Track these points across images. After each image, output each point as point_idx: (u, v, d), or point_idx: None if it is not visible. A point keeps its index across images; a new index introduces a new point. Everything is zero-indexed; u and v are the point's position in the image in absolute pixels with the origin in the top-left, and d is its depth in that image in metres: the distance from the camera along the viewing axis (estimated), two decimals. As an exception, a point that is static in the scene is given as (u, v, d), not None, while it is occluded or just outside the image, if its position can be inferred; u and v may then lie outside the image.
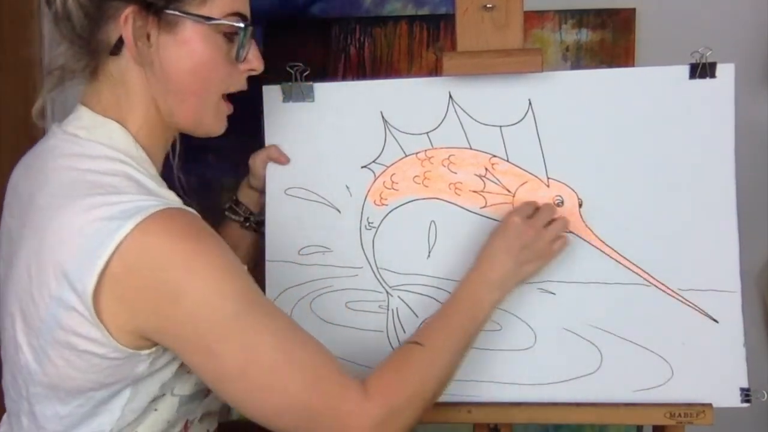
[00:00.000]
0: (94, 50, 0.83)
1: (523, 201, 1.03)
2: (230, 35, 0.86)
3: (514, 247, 0.97)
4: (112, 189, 0.78)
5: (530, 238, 0.98)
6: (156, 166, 0.88)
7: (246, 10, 0.88)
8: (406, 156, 1.06)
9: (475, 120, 1.05)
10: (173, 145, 0.92)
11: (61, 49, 0.85)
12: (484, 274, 0.96)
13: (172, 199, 0.82)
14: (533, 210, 1.01)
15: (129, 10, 0.80)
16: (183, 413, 0.88)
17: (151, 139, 0.87)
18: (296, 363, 0.80)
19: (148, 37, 0.82)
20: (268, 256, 1.08)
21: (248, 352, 0.78)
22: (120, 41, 0.82)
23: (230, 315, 0.77)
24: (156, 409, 0.85)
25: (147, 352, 0.79)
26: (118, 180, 0.80)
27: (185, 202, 0.84)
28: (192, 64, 0.84)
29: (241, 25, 0.86)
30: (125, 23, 0.80)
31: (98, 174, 0.80)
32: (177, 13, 0.82)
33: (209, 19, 0.83)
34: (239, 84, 0.91)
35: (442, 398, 1.03)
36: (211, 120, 0.90)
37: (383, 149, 1.06)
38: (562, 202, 1.03)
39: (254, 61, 0.90)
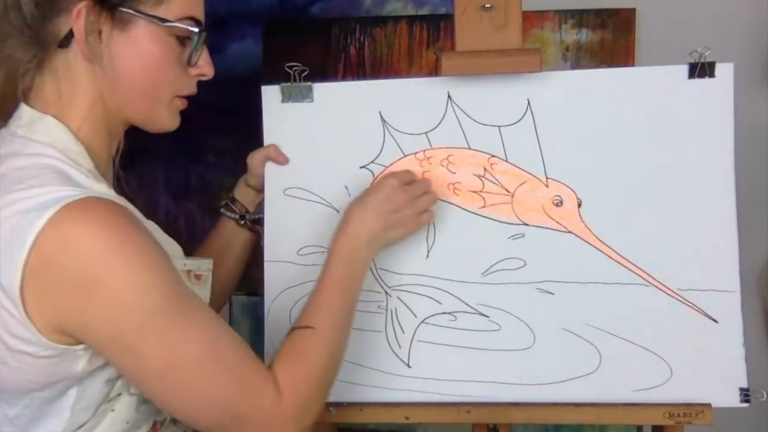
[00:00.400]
0: (42, 42, 0.83)
1: (404, 169, 1.04)
2: (183, 39, 0.86)
3: (385, 209, 0.97)
4: (34, 183, 0.77)
5: (402, 203, 0.98)
6: (99, 161, 0.87)
7: (200, 15, 0.88)
8: (405, 156, 1.06)
9: (474, 120, 1.05)
10: (117, 144, 0.92)
11: (9, 41, 0.84)
12: (353, 234, 0.96)
13: (101, 191, 0.80)
14: (410, 179, 1.02)
15: (83, 5, 0.80)
16: (145, 413, 0.87)
17: (94, 134, 0.86)
18: (220, 360, 0.80)
19: (100, 32, 0.82)
20: (267, 256, 1.08)
21: (171, 350, 0.77)
22: (70, 34, 0.81)
23: (151, 311, 0.76)
24: (113, 410, 0.83)
25: (81, 347, 0.77)
26: (43, 173, 0.78)
27: (128, 198, 0.83)
28: (142, 64, 0.84)
29: (195, 29, 0.86)
30: (77, 17, 0.80)
31: (27, 170, 0.79)
32: (131, 11, 0.82)
33: (163, 20, 0.83)
34: (189, 88, 0.91)
35: (442, 398, 1.04)
36: (163, 117, 0.90)
37: (382, 149, 1.06)
38: (561, 202, 1.03)
39: (205, 67, 0.90)
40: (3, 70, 0.85)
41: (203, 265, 0.98)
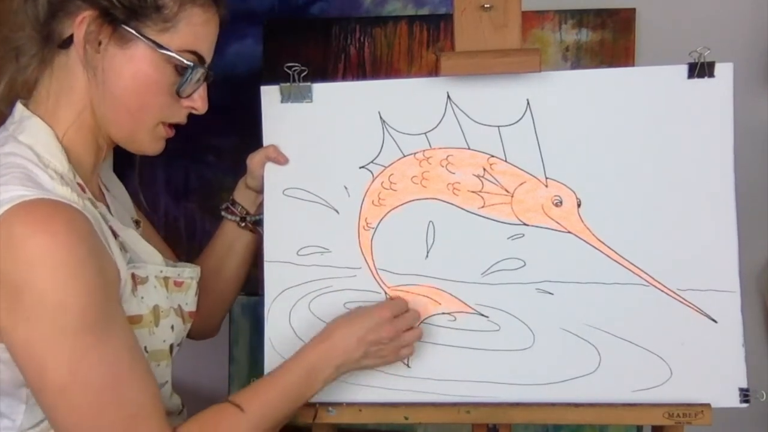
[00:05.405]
0: (46, 38, 0.85)
1: (398, 298, 1.02)
2: (181, 69, 0.87)
3: (368, 339, 0.96)
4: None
5: (387, 337, 0.97)
6: (81, 168, 0.88)
7: (205, 52, 0.89)
8: (404, 156, 1.06)
9: (474, 120, 1.05)
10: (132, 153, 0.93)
11: (23, 32, 0.86)
12: (327, 351, 0.95)
13: (60, 194, 0.80)
14: (403, 310, 1.00)
15: (88, 14, 0.82)
16: None
17: (79, 141, 0.87)
18: (117, 397, 0.79)
19: (99, 43, 0.83)
20: (266, 256, 1.08)
21: (73, 373, 0.76)
22: (71, 38, 0.83)
23: (64, 328, 0.75)
24: None
25: None
26: (9, 172, 0.79)
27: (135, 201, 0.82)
28: (133, 83, 0.85)
29: (190, 64, 0.86)
30: (80, 24, 0.82)
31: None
32: (133, 32, 0.83)
33: (161, 47, 0.84)
34: (178, 117, 0.91)
35: (441, 398, 1.04)
36: (144, 140, 0.90)
37: (381, 149, 1.06)
38: (561, 202, 1.03)
39: (198, 101, 0.91)
40: (15, 61, 0.87)
41: (185, 272, 0.98)
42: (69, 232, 0.76)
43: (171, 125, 0.92)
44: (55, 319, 0.75)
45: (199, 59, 0.88)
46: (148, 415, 0.81)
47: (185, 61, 0.86)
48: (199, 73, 0.88)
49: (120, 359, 0.80)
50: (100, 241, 0.81)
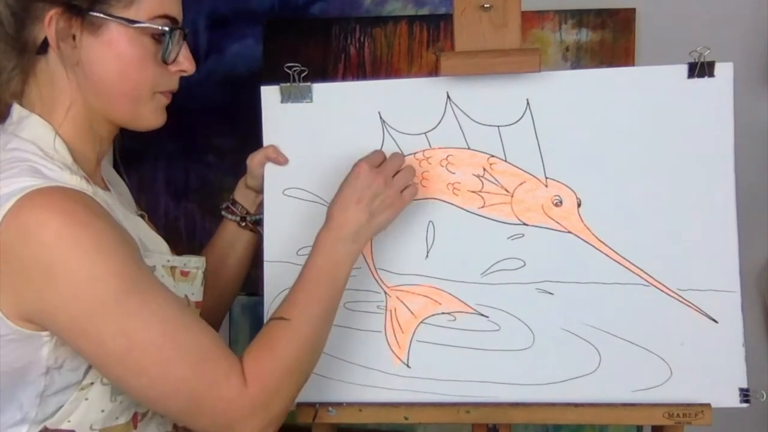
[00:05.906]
0: (21, 49, 0.85)
1: (376, 151, 1.02)
2: (159, 36, 0.87)
3: (365, 196, 0.96)
4: (4, 175, 0.79)
5: (380, 186, 0.96)
6: (83, 160, 0.88)
7: (175, 12, 0.89)
8: (405, 156, 1.06)
9: (473, 120, 1.05)
10: (114, 146, 0.93)
11: None
12: (337, 230, 0.95)
13: (69, 182, 0.81)
14: (382, 159, 1.00)
15: (53, 12, 0.82)
16: (124, 404, 0.87)
17: (76, 134, 0.88)
18: (180, 348, 0.80)
19: (74, 38, 0.84)
20: (266, 256, 1.08)
21: (128, 336, 0.78)
22: (46, 41, 0.83)
23: (106, 298, 0.77)
24: (87, 398, 0.84)
25: (46, 333, 0.79)
26: (15, 166, 0.80)
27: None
28: (118, 66, 0.86)
29: (166, 28, 0.86)
30: (49, 24, 0.82)
31: (2, 163, 0.81)
32: (101, 15, 0.84)
33: (133, 22, 0.84)
34: (170, 84, 0.92)
35: (441, 398, 1.04)
36: (146, 115, 0.91)
37: (381, 149, 1.06)
38: (561, 202, 1.03)
39: (185, 63, 0.91)
40: None
41: (191, 263, 0.99)
42: (84, 211, 0.78)
43: (164, 93, 0.92)
44: (94, 293, 0.76)
45: (172, 21, 0.88)
46: (215, 356, 0.82)
47: (160, 27, 0.86)
48: (177, 34, 0.89)
49: (169, 312, 0.81)
50: (113, 217, 0.82)
